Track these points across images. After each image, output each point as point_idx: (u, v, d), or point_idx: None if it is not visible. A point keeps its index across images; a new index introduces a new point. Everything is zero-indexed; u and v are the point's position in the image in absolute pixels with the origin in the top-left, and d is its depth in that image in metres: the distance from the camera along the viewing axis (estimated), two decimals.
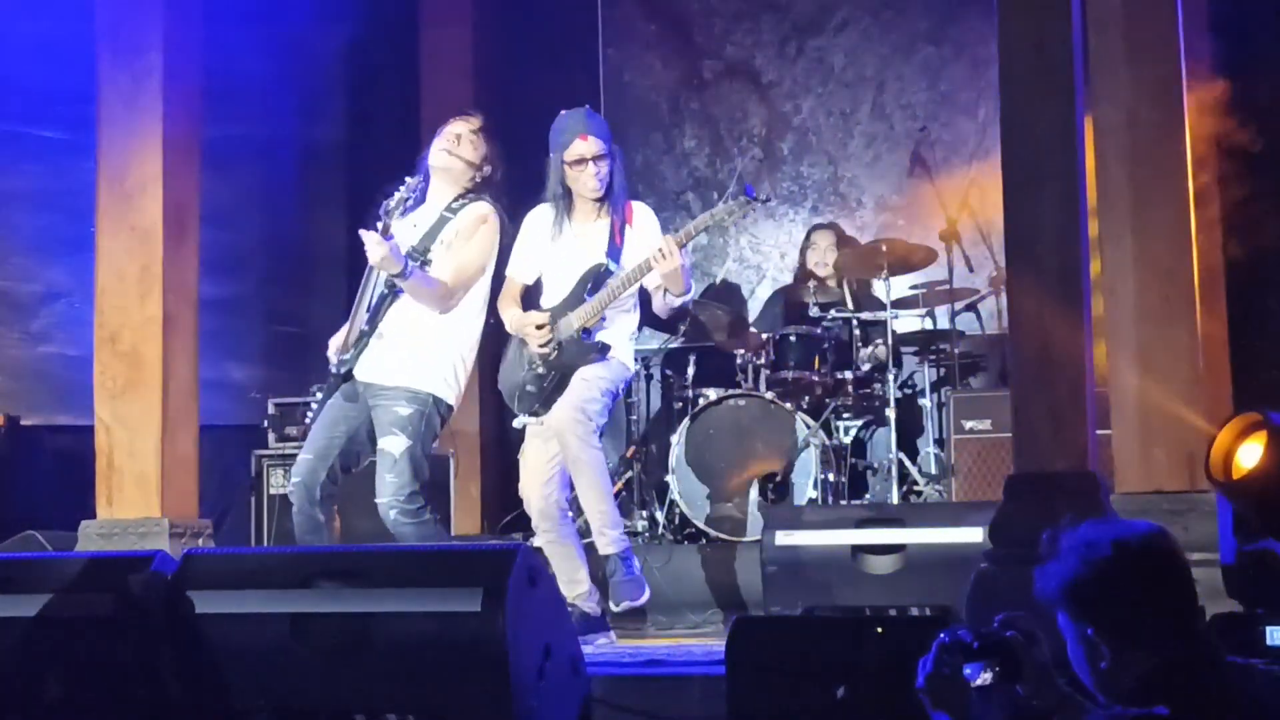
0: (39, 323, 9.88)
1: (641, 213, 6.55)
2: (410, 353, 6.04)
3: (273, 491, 8.05)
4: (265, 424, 8.47)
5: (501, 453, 10.10)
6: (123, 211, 7.34)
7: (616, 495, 8.62)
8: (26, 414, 9.59)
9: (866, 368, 8.58)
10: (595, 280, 6.33)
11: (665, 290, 6.26)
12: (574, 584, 6.24)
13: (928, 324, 9.14)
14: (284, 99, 10.45)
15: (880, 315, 8.61)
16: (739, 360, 8.69)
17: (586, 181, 6.36)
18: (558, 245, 6.46)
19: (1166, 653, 3.02)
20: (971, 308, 9.07)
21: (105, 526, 7.19)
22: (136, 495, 7.25)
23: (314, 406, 6.23)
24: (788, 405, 8.23)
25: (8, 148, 9.69)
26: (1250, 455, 4.76)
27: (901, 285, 8.92)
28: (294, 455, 8.07)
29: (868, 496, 8.48)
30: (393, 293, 6.12)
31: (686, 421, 8.28)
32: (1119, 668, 3.04)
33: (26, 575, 5.08)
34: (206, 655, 4.65)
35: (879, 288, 8.84)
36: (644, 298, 6.52)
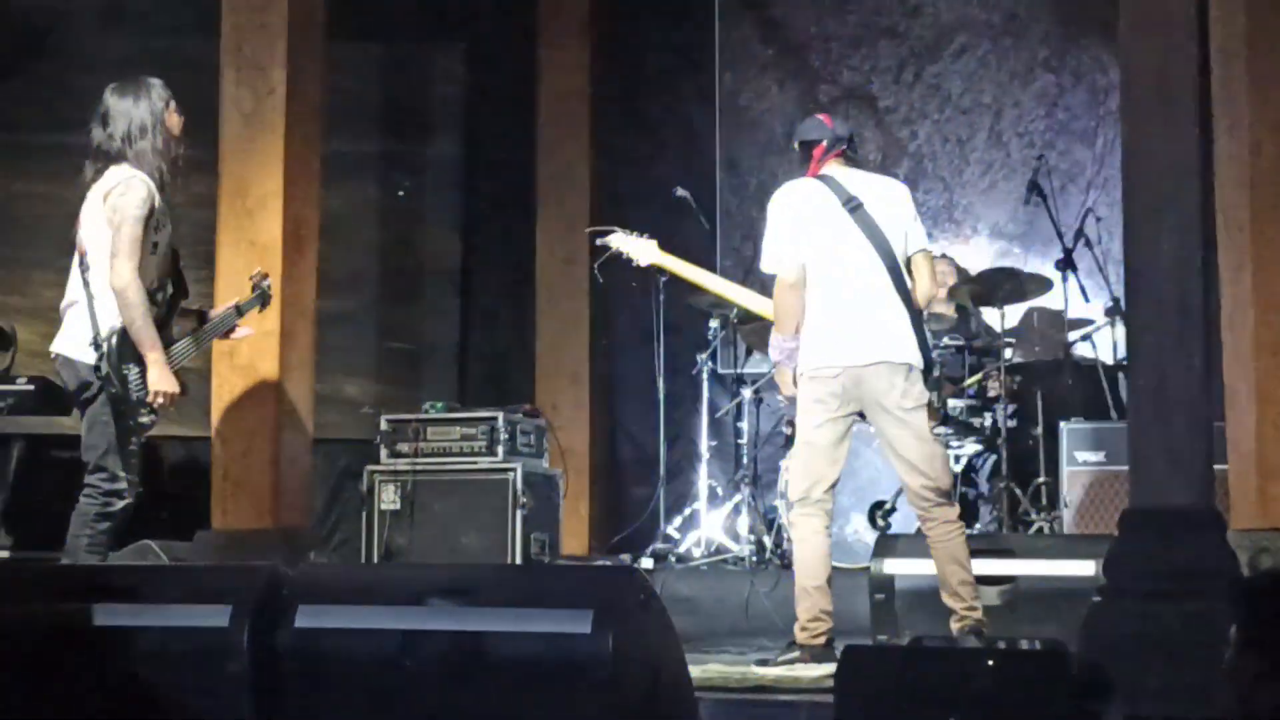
0: None
1: None
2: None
3: (384, 507, 8.10)
4: (377, 440, 8.51)
5: (611, 472, 10.13)
6: (243, 227, 7.43)
7: (724, 519, 8.63)
8: None
9: (981, 396, 8.52)
10: None
11: None
12: None
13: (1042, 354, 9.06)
14: (401, 116, 10.54)
15: (994, 344, 8.55)
16: None
17: None
18: None
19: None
20: (1086, 338, 8.98)
21: (219, 537, 7.27)
22: (250, 506, 7.32)
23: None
24: None
25: None
26: None
27: (1016, 314, 8.85)
28: (406, 471, 8.18)
29: (978, 526, 8.41)
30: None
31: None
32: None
33: (141, 584, 5.16)
34: (317, 669, 4.69)
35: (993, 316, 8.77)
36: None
